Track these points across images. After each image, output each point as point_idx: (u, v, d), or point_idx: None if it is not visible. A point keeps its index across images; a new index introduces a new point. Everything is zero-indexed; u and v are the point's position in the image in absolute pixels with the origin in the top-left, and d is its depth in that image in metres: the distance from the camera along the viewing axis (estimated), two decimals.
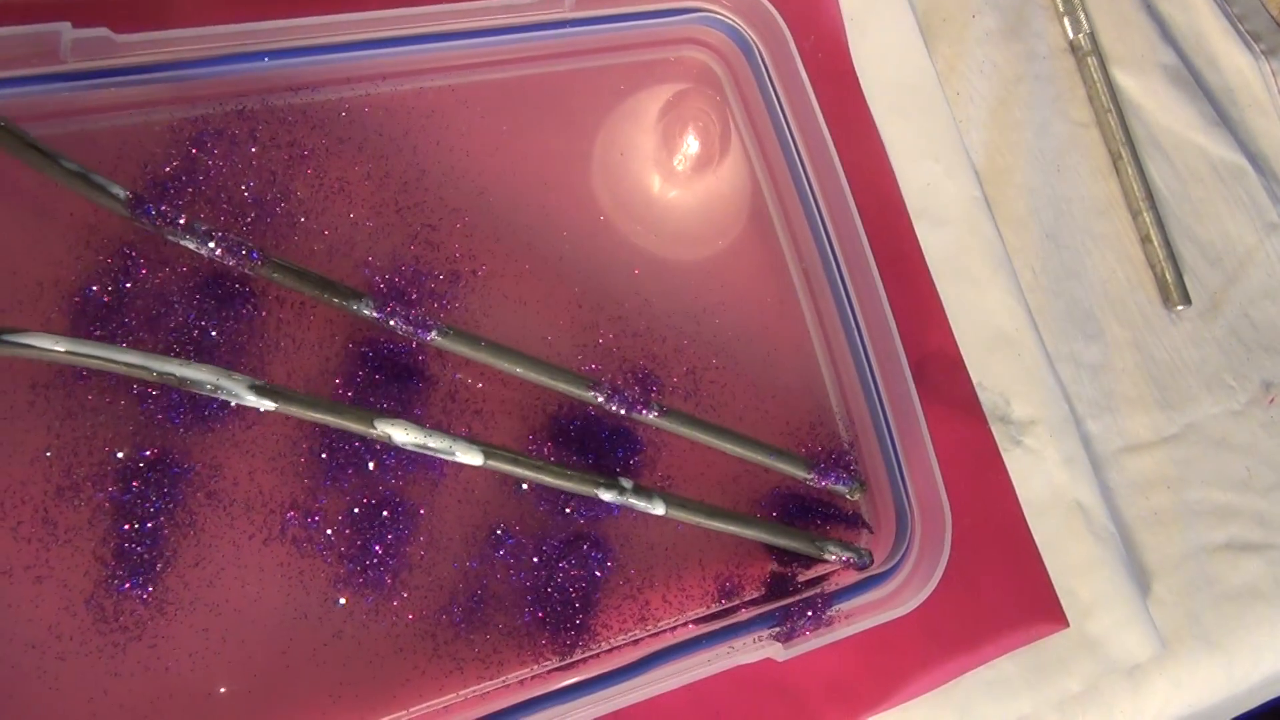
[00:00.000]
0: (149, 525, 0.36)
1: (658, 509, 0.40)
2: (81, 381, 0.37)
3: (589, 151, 0.46)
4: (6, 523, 0.35)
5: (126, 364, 0.34)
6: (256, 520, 0.37)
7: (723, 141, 0.49)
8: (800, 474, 0.43)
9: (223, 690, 0.36)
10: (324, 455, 0.38)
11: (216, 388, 0.35)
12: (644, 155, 0.47)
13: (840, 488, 0.43)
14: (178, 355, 0.36)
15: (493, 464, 0.38)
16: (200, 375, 0.35)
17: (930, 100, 0.54)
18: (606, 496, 0.39)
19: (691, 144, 0.48)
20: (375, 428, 0.37)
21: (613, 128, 0.47)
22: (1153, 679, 0.49)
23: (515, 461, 0.38)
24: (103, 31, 0.38)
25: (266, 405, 0.36)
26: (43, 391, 0.36)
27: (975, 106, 0.55)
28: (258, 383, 0.36)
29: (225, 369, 0.36)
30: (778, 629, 0.41)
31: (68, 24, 0.37)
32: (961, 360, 0.50)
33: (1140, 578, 0.50)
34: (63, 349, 0.34)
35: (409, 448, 0.37)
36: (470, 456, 0.38)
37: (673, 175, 0.47)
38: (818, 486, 0.43)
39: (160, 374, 0.35)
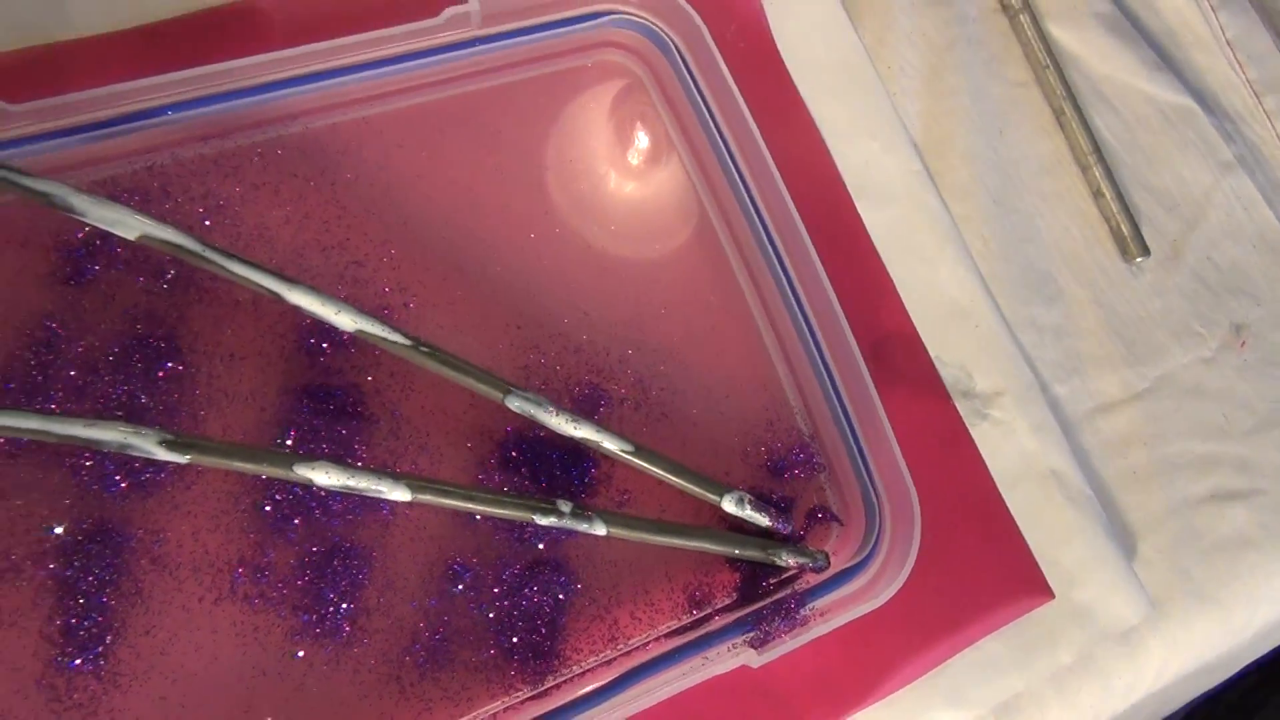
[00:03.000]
0: (95, 598, 0.35)
1: (599, 530, 0.39)
2: (11, 460, 0.36)
3: (513, 168, 0.45)
4: None
5: (29, 430, 0.34)
6: (205, 581, 0.37)
7: (634, 146, 0.48)
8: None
9: None
10: (267, 508, 0.38)
11: (124, 445, 0.34)
12: (570, 166, 0.46)
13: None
14: (83, 417, 0.35)
15: (422, 498, 0.37)
16: (106, 435, 0.34)
17: (861, 76, 0.53)
18: (544, 521, 0.39)
19: (642, 139, 0.48)
20: (294, 471, 0.36)
21: (536, 141, 0.46)
22: (1147, 641, 0.48)
23: (445, 493, 0.38)
24: None
25: (179, 459, 0.35)
26: None
27: (908, 78, 0.54)
28: (169, 436, 0.35)
29: (133, 425, 0.35)
30: (752, 634, 0.40)
31: None
32: (918, 338, 0.49)
33: (1124, 539, 0.49)
34: None
35: (333, 489, 0.36)
36: (398, 493, 0.37)
37: (603, 182, 0.47)
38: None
39: (63, 436, 0.34)
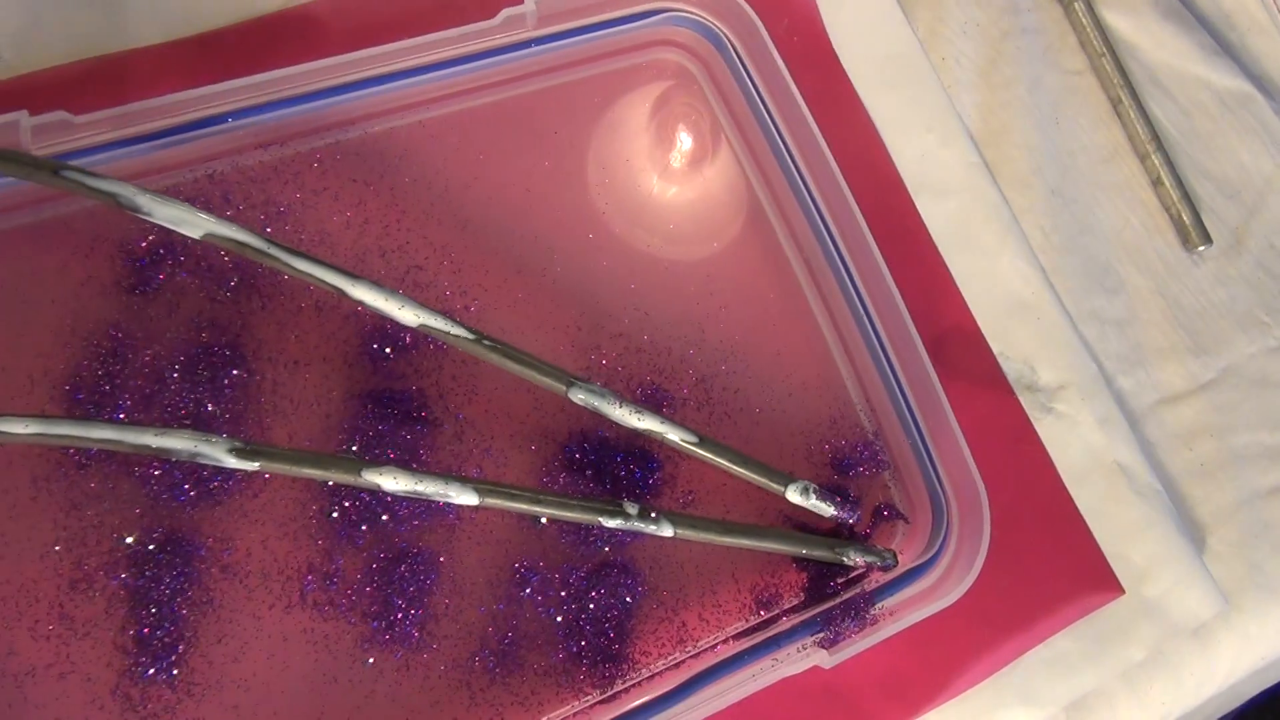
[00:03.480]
0: (167, 608, 0.35)
1: (665, 531, 0.39)
2: (82, 470, 0.36)
3: (570, 168, 0.45)
4: (23, 622, 0.34)
5: (100, 439, 0.34)
6: (274, 589, 0.37)
7: (714, 136, 0.48)
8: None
9: None
10: (335, 514, 0.38)
11: (195, 454, 0.34)
12: (628, 165, 0.46)
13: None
14: (153, 426, 0.35)
15: (489, 501, 0.37)
16: (176, 443, 0.34)
17: (915, 69, 0.52)
18: (611, 524, 0.38)
19: (685, 140, 0.47)
20: (362, 476, 0.36)
21: (592, 141, 0.46)
22: (1219, 636, 0.47)
23: (512, 497, 0.37)
24: (60, 115, 0.37)
25: (249, 466, 0.35)
26: (44, 485, 0.36)
27: (963, 69, 0.54)
28: (238, 444, 0.35)
29: (203, 433, 0.35)
30: (821, 635, 0.40)
31: (24, 112, 0.36)
32: (980, 333, 0.48)
33: (1193, 533, 0.48)
34: (33, 430, 0.33)
35: (400, 494, 0.36)
36: (466, 497, 0.36)
37: (659, 182, 0.46)
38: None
39: (135, 446, 0.34)
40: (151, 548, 0.36)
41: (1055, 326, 0.49)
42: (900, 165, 0.50)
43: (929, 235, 0.49)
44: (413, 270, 0.41)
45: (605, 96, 0.47)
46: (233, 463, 0.35)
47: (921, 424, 0.43)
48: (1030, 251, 0.50)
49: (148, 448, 0.34)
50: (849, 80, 0.51)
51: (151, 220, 0.36)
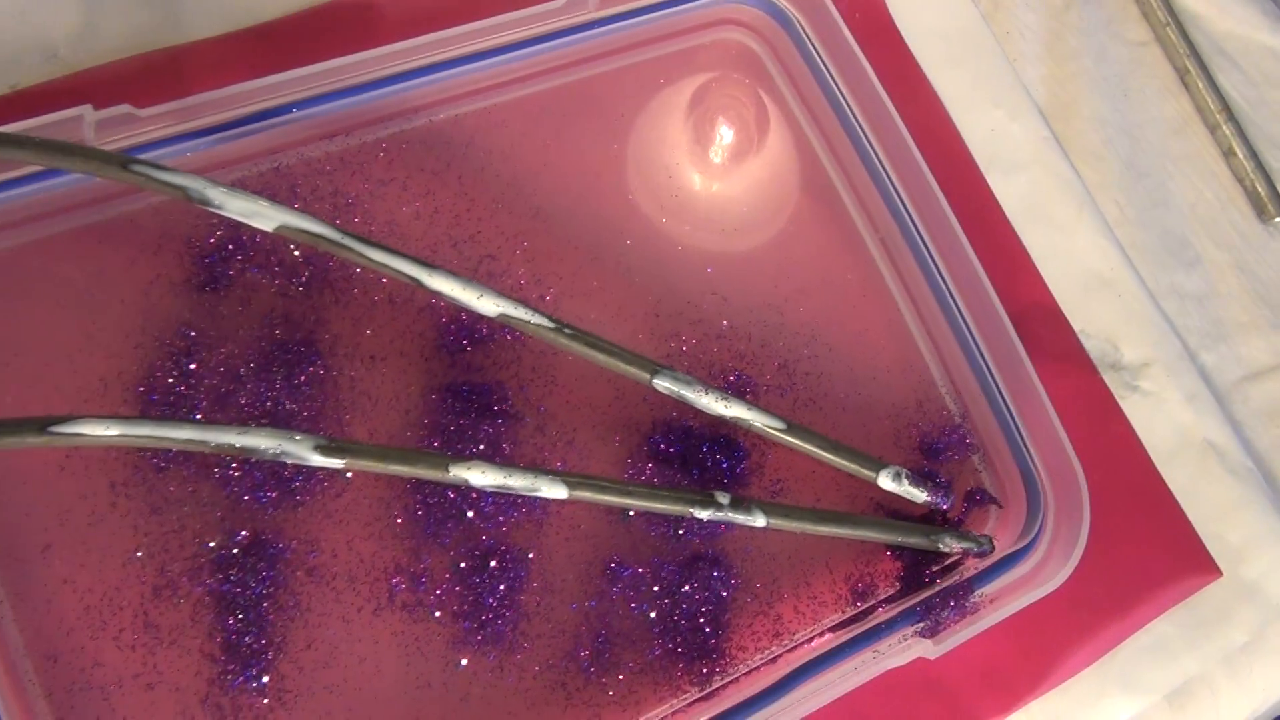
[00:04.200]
0: (253, 613, 0.34)
1: (758, 521, 0.37)
2: (160, 473, 0.35)
3: (639, 151, 0.44)
4: (107, 632, 0.33)
5: (183, 440, 0.32)
6: (362, 591, 0.35)
7: (759, 124, 0.46)
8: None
9: None
10: (419, 512, 0.36)
11: (281, 453, 0.33)
12: (697, 146, 0.45)
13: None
14: (236, 425, 0.34)
15: (578, 494, 0.36)
16: (260, 442, 0.33)
17: (979, 43, 0.51)
18: (703, 515, 0.37)
19: (725, 134, 0.46)
20: (450, 472, 0.34)
21: (659, 123, 0.45)
22: None
23: (601, 489, 0.36)
24: (124, 109, 0.36)
25: (334, 464, 0.34)
26: (123, 490, 0.34)
27: (1027, 42, 0.52)
28: (323, 441, 0.34)
29: (286, 431, 0.33)
30: (921, 624, 0.38)
31: (88, 106, 0.35)
32: (1060, 310, 0.47)
33: None
34: (115, 432, 0.32)
35: (488, 489, 0.35)
36: (555, 490, 0.35)
37: (730, 163, 0.45)
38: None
39: (218, 446, 0.33)
40: (235, 551, 0.35)
41: (1136, 302, 0.48)
42: (969, 142, 0.49)
43: (1003, 212, 0.48)
44: (486, 260, 0.40)
45: (671, 77, 0.45)
46: (318, 460, 0.33)
47: (1011, 404, 0.41)
48: (1106, 226, 0.49)
49: (231, 447, 0.33)
50: (913, 57, 0.50)
51: (222, 214, 0.35)
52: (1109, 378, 0.46)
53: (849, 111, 0.44)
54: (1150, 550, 0.44)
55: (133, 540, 0.34)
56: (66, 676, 0.33)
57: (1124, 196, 0.51)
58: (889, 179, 0.44)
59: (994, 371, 0.42)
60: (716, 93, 0.46)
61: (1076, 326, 0.47)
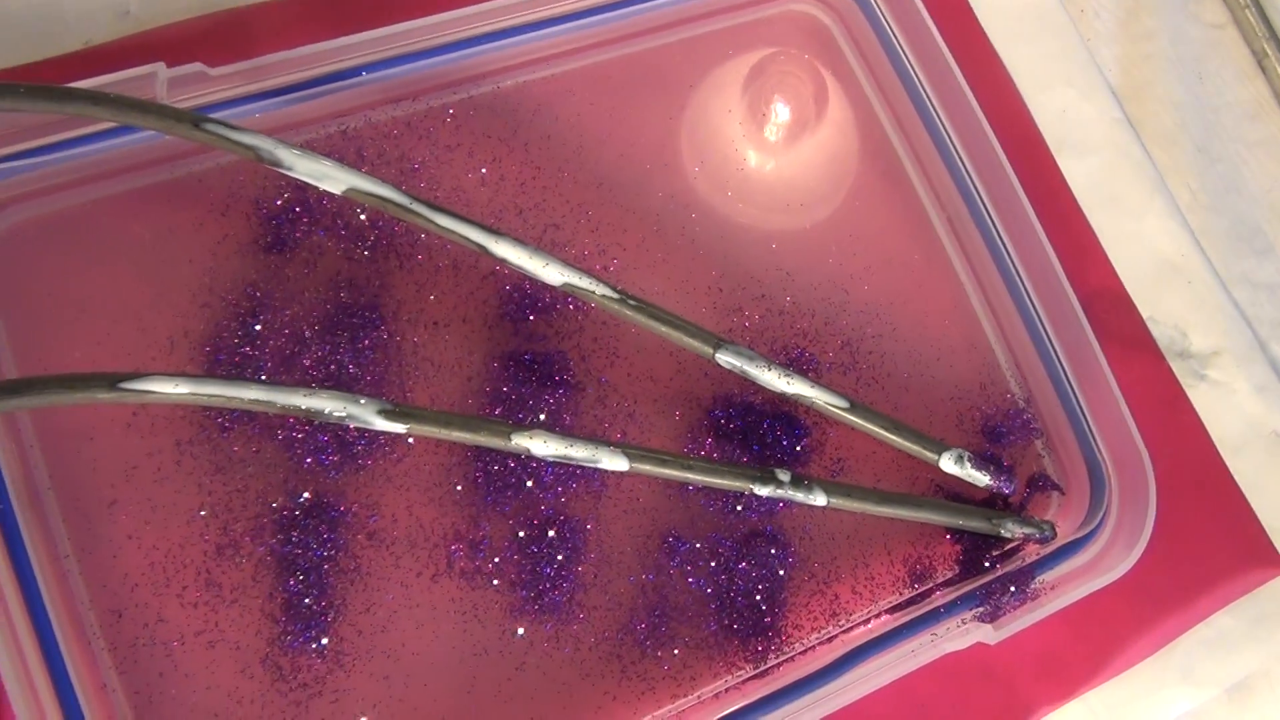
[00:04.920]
0: (314, 575, 0.34)
1: (819, 500, 0.37)
2: (225, 433, 0.35)
3: (705, 123, 0.43)
4: (171, 589, 0.33)
5: (251, 400, 0.32)
6: (421, 557, 0.35)
7: (819, 99, 0.45)
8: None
9: None
10: (479, 479, 0.36)
11: (346, 416, 0.33)
12: (763, 119, 0.44)
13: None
14: (302, 386, 0.34)
15: (639, 467, 0.35)
16: (325, 404, 0.33)
17: (1053, 20, 0.50)
18: (762, 491, 0.36)
19: (783, 110, 0.45)
20: (511, 441, 0.34)
21: (725, 95, 0.44)
22: None
23: (662, 463, 0.36)
24: (197, 67, 0.36)
25: (397, 428, 0.33)
26: (188, 448, 0.35)
27: (1102, 21, 0.51)
28: (387, 405, 0.33)
29: (351, 394, 0.33)
30: (981, 609, 0.38)
31: (162, 64, 0.35)
32: (1128, 296, 0.46)
33: None
34: (184, 390, 0.32)
35: (549, 459, 0.35)
36: (616, 462, 0.35)
37: (797, 137, 0.44)
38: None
39: (285, 406, 0.33)
40: (297, 513, 0.35)
41: (1207, 290, 0.47)
42: (1040, 121, 0.48)
43: (1072, 194, 0.47)
44: (550, 229, 0.40)
45: (738, 49, 0.45)
46: (381, 425, 0.33)
47: (1077, 389, 0.41)
48: (1178, 211, 0.48)
49: (297, 409, 0.33)
50: (985, 33, 0.49)
51: (292, 175, 0.35)
52: (1176, 366, 0.45)
53: (920, 86, 0.44)
54: (1214, 542, 0.43)
55: (197, 498, 0.34)
56: (130, 632, 0.33)
57: (1196, 181, 0.49)
58: (959, 156, 0.43)
59: (1060, 355, 0.41)
60: (780, 67, 0.45)
61: (1145, 313, 0.46)
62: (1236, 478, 0.44)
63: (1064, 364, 0.41)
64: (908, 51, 0.44)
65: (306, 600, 0.34)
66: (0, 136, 0.34)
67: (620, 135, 0.42)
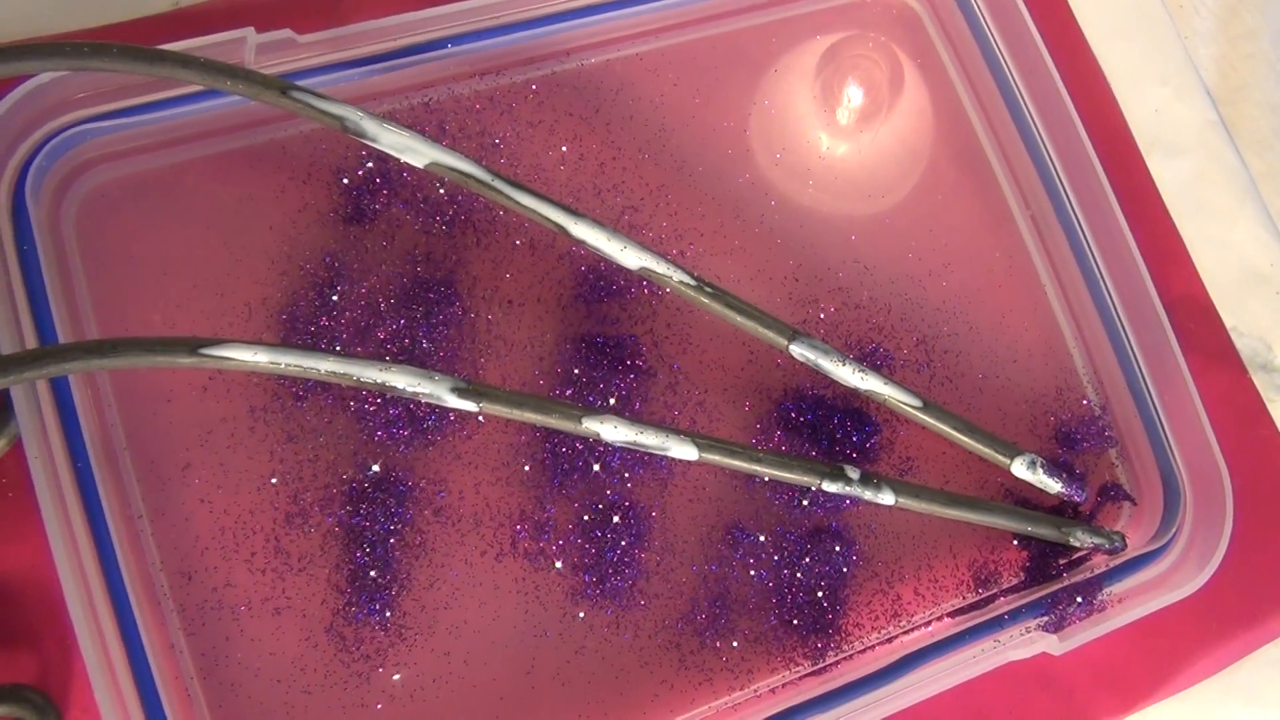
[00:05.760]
0: (380, 548, 0.34)
1: (886, 499, 0.37)
2: (299, 402, 0.35)
3: (788, 109, 0.43)
4: (240, 554, 0.34)
5: (327, 371, 0.32)
6: (486, 536, 0.35)
7: (894, 86, 0.44)
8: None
9: (468, 715, 0.34)
10: (547, 461, 0.36)
11: (420, 391, 0.33)
12: (848, 108, 0.43)
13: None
14: (378, 360, 0.34)
15: (708, 457, 0.35)
16: (400, 379, 0.33)
17: (1151, 16, 0.48)
18: (831, 488, 0.36)
19: (855, 95, 0.44)
20: (582, 424, 0.34)
21: (809, 81, 0.43)
22: None
23: (731, 454, 0.35)
24: (286, 33, 0.36)
25: (469, 406, 0.33)
26: (262, 415, 0.35)
27: (1201, 18, 0.50)
28: (460, 383, 0.33)
29: (426, 370, 0.33)
30: (1045, 618, 0.37)
31: (251, 29, 0.35)
32: (1212, 304, 0.45)
33: None
34: (263, 359, 0.32)
35: (619, 445, 0.35)
36: (685, 451, 0.35)
37: (881, 128, 0.43)
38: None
39: (360, 379, 0.32)
40: (366, 486, 0.35)
41: None
42: (1131, 120, 0.47)
43: (1159, 196, 0.46)
44: (628, 210, 0.39)
45: (827, 32, 0.44)
46: (454, 402, 0.33)
47: (1156, 399, 0.40)
48: (1269, 219, 0.47)
49: (372, 382, 0.33)
50: (1079, 26, 0.47)
51: (376, 146, 0.34)
52: (1259, 379, 0.44)
53: (1010, 80, 0.43)
54: None
55: (268, 466, 0.34)
56: (199, 595, 0.33)
57: None
58: (1047, 153, 0.42)
59: (1141, 364, 0.40)
60: (872, 53, 0.44)
61: (1228, 323, 0.45)
62: None
63: (1144, 372, 0.40)
64: (999, 41, 0.43)
65: (372, 573, 0.34)
66: (88, 97, 0.35)
67: (702, 118, 0.41)
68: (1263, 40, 0.50)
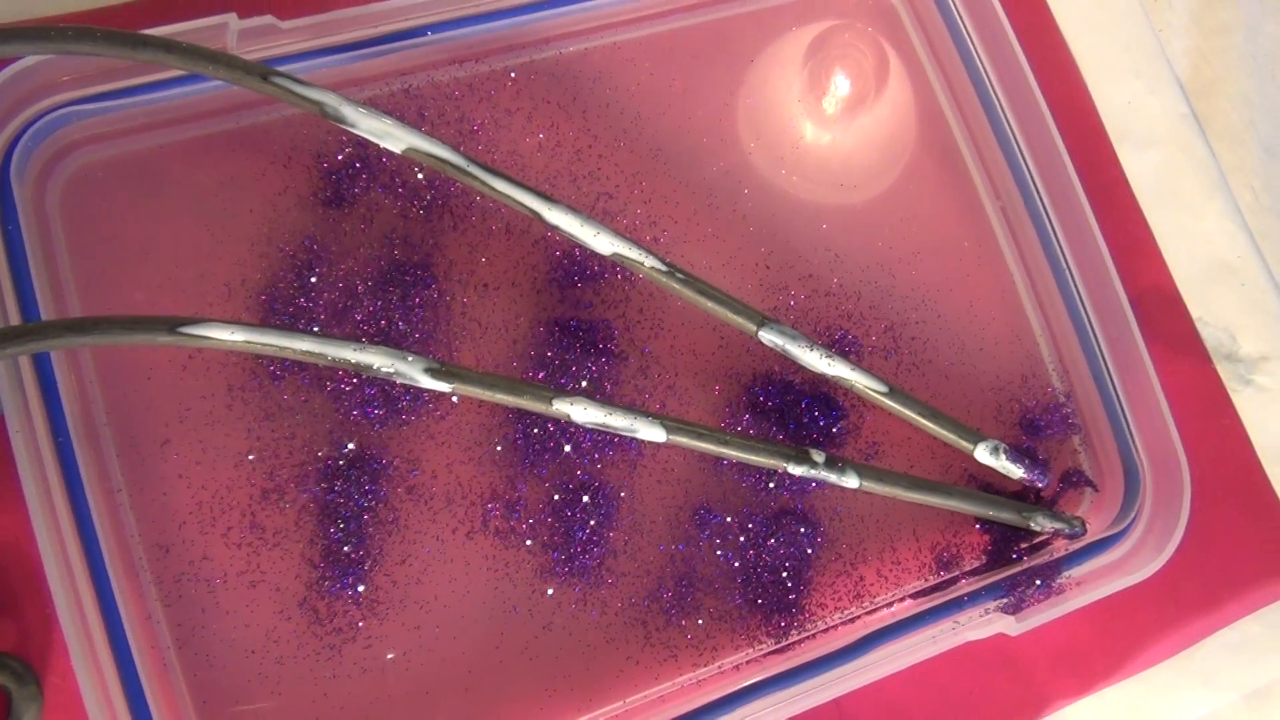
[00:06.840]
0: (354, 524, 0.35)
1: (851, 482, 0.37)
2: (276, 381, 0.36)
3: (763, 99, 0.43)
4: (216, 529, 0.35)
5: (303, 351, 0.33)
6: (458, 513, 0.36)
7: (879, 75, 0.45)
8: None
9: (438, 688, 0.35)
10: (519, 441, 0.37)
11: (394, 372, 0.34)
12: (823, 98, 0.44)
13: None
14: (353, 340, 0.35)
15: (675, 439, 0.36)
16: (374, 359, 0.33)
17: (1124, 9, 0.49)
18: (796, 471, 0.37)
19: (843, 84, 0.45)
20: (553, 406, 0.35)
21: (784, 70, 0.44)
22: None
23: (699, 436, 0.36)
24: (267, 19, 0.36)
25: (442, 387, 0.34)
26: (239, 394, 0.36)
27: (1175, 12, 0.50)
28: (433, 364, 0.34)
29: (400, 351, 0.34)
30: (1004, 600, 0.38)
31: (233, 15, 0.36)
32: (1179, 294, 0.46)
33: None
34: (240, 338, 0.33)
35: (589, 426, 0.35)
36: (653, 433, 0.36)
37: (854, 118, 0.44)
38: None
39: (335, 359, 0.33)
40: (341, 463, 0.36)
41: (1260, 293, 0.46)
42: (1103, 112, 0.47)
43: (1129, 188, 0.47)
44: (602, 198, 0.40)
45: (802, 22, 0.44)
46: (427, 383, 0.34)
47: (1119, 388, 0.41)
48: (1238, 212, 0.47)
49: (347, 362, 0.33)
50: (1052, 17, 0.48)
51: (355, 132, 0.35)
52: (1223, 369, 0.45)
53: (982, 70, 0.43)
54: (1246, 548, 0.43)
55: (245, 443, 0.35)
56: (175, 567, 0.34)
57: (1260, 182, 0.49)
58: (1017, 144, 0.43)
59: (1105, 352, 0.41)
60: (839, 41, 0.45)
61: (1195, 313, 0.46)
62: (1276, 486, 0.44)
63: (1108, 361, 0.41)
64: (972, 32, 0.43)
65: (345, 548, 0.35)
66: (73, 80, 0.35)
67: (679, 107, 0.42)
68: (1236, 34, 0.50)
